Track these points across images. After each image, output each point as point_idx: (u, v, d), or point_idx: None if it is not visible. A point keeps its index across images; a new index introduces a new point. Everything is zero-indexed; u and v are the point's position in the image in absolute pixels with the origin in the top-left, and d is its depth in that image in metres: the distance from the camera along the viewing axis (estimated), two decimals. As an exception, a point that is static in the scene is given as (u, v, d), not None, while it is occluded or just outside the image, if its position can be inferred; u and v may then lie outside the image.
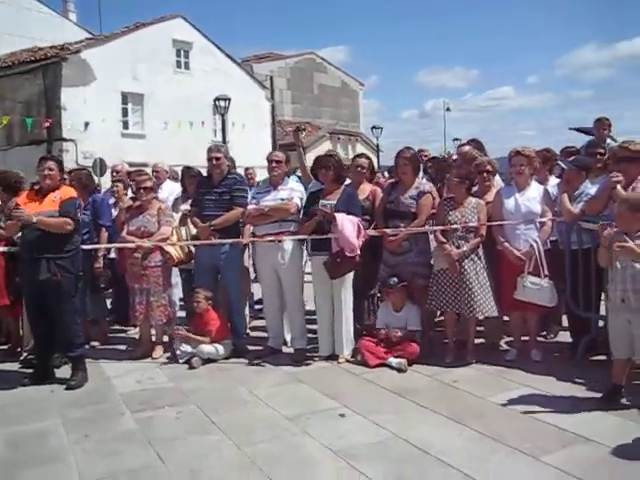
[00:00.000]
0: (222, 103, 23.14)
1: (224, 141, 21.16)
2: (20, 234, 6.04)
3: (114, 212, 7.63)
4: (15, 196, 6.71)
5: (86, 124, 22.71)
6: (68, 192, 6.04)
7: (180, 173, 8.05)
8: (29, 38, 27.76)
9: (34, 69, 24.01)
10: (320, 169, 6.39)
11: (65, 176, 6.58)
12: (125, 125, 25.61)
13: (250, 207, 6.51)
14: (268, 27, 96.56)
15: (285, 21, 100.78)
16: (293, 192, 6.48)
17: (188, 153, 21.03)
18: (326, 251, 6.21)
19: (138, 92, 25.52)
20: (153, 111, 25.59)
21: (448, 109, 51.14)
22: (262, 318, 7.74)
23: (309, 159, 7.32)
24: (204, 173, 7.27)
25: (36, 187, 6.40)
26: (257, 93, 30.78)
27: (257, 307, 8.45)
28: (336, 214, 6.06)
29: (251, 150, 20.59)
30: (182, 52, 27.43)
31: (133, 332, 7.67)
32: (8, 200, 6.76)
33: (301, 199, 6.49)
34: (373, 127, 35.87)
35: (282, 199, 6.42)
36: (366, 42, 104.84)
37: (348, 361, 6.30)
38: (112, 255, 7.50)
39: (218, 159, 6.77)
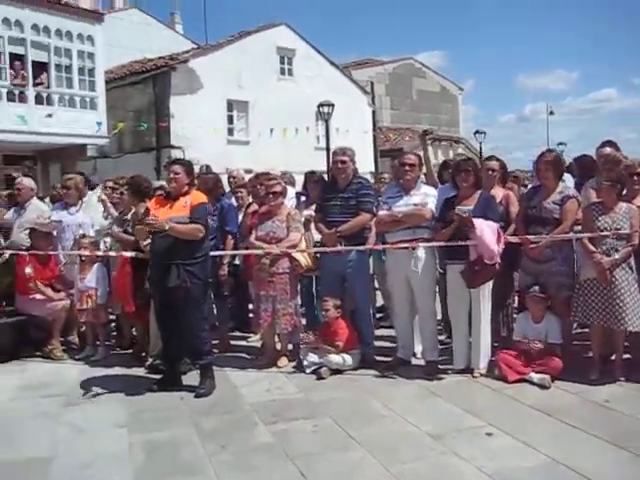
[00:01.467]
0: (325, 109, 23.03)
1: (327, 147, 21.11)
2: (150, 240, 6.02)
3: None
4: (143, 201, 6.74)
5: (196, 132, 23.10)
6: (199, 197, 5.97)
7: (304, 178, 7.91)
8: (138, 50, 28.60)
9: (144, 79, 24.66)
10: (459, 173, 6.07)
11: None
12: (230, 132, 25.96)
13: (382, 213, 6.25)
14: (361, 33, 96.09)
15: (378, 27, 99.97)
16: (427, 197, 6.17)
17: (291, 159, 21.18)
18: (462, 259, 5.90)
19: (243, 100, 25.81)
20: (257, 118, 25.79)
21: (551, 112, 49.56)
22: (384, 327, 7.54)
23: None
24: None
25: (161, 192, 6.40)
26: (359, 99, 30.59)
27: (378, 316, 8.23)
28: (474, 219, 5.74)
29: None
30: (285, 59, 27.56)
31: (253, 339, 7.58)
32: (137, 205, 6.80)
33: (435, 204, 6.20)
34: (476, 132, 34.97)
35: (415, 204, 6.14)
36: (461, 47, 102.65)
37: (484, 375, 5.97)
38: (236, 262, 7.43)
39: (344, 162, 6.57)
